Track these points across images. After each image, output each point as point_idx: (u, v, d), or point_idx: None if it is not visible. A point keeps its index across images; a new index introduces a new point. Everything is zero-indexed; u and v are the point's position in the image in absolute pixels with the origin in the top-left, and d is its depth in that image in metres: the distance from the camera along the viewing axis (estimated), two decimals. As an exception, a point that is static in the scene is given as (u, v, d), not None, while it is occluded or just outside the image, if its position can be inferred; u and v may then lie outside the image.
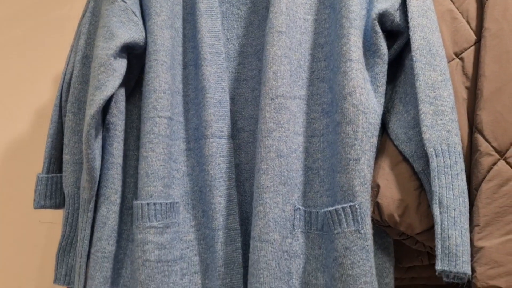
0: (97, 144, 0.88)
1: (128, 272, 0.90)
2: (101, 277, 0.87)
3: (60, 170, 0.99)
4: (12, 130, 1.31)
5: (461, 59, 0.83)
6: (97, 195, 0.90)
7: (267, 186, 0.81)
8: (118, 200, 0.90)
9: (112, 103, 0.91)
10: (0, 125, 1.31)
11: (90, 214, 0.89)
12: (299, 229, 0.83)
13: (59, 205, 1.00)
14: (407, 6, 0.82)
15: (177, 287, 0.85)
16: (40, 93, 1.32)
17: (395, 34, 0.85)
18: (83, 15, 1.00)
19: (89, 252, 0.89)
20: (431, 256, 0.97)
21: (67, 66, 1.00)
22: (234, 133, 0.93)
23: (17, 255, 1.29)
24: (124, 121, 0.93)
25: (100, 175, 0.90)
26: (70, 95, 0.97)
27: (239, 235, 0.88)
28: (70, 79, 0.98)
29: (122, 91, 0.92)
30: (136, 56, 0.94)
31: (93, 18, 0.98)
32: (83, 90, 0.96)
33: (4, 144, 1.31)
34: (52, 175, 0.99)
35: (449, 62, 0.83)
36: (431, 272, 1.07)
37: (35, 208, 0.98)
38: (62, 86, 0.99)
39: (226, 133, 0.91)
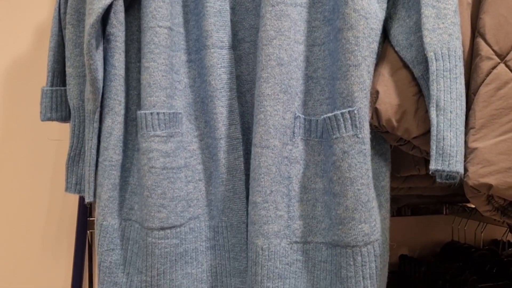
0: (99, 56, 0.89)
1: (135, 180, 0.94)
2: (109, 184, 0.91)
3: (63, 83, 1.00)
4: (14, 46, 1.31)
5: (467, -39, 0.81)
6: (102, 106, 0.92)
7: (268, 94, 0.82)
8: (122, 111, 0.92)
9: (111, 13, 0.90)
10: (2, 41, 1.30)
11: (96, 125, 0.91)
12: (299, 136, 0.85)
13: (65, 117, 1.02)
14: None
15: (182, 193, 0.89)
16: (38, 7, 1.30)
17: None
18: None
19: (97, 161, 0.93)
20: (428, 165, 1.00)
21: (64, -24, 0.98)
22: (235, 44, 0.93)
23: (28, 171, 1.33)
24: (124, 33, 0.92)
25: (103, 86, 0.91)
26: (69, 7, 0.95)
27: (241, 143, 0.90)
28: (68, -10, 0.96)
29: (121, 1, 0.91)
30: (133, -35, 0.92)
31: None
32: (82, 1, 0.95)
33: (7, 61, 1.31)
34: (56, 88, 1.00)
35: (455, -35, 0.80)
36: (427, 183, 1.11)
37: (42, 120, 1.01)
38: (60, -3, 0.98)
39: (227, 43, 0.90)
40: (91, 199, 0.93)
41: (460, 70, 0.74)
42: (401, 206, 1.52)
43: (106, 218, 0.92)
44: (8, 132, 1.32)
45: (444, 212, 1.55)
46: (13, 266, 1.34)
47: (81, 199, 1.34)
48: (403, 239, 1.57)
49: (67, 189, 1.00)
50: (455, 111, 0.72)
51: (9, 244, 1.33)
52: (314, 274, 0.84)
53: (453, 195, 1.35)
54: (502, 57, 0.74)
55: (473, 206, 1.45)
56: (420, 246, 1.61)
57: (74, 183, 1.00)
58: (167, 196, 0.87)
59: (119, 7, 0.91)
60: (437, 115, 0.72)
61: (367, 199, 0.78)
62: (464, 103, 0.74)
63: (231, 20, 0.92)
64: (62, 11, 0.98)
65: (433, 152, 0.72)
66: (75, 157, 0.99)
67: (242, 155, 0.90)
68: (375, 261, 0.80)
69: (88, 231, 1.35)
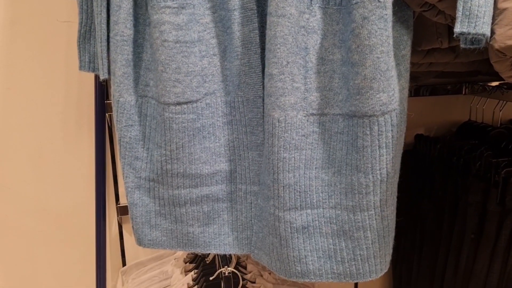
0: None
1: (149, 55, 0.92)
2: (123, 59, 0.90)
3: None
4: None
5: None
6: (108, -23, 0.88)
7: (284, -43, 0.76)
8: (130, -18, 0.88)
9: None
10: None
11: (104, -2, 0.88)
12: (317, 4, 0.81)
13: (72, -8, 0.98)
14: None
15: (197, 68, 0.88)
16: None
17: None
18: None
19: (108, 37, 0.91)
20: (451, 38, 0.96)
21: None
22: None
23: (40, 54, 1.32)
24: None
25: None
26: None
27: (256, 15, 0.86)
28: None
29: None
30: None
31: None
32: None
33: None
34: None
35: None
36: (449, 57, 1.07)
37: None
38: None
39: None
40: (106, 76, 0.93)
41: None
42: (419, 86, 1.50)
43: (123, 95, 0.92)
44: (17, 15, 1.29)
45: (464, 92, 1.53)
46: (37, 154, 1.39)
47: (97, 82, 1.34)
48: (420, 119, 1.57)
49: (81, 67, 1.00)
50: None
51: (29, 131, 1.37)
52: (330, 145, 0.85)
53: (473, 73, 1.32)
54: None
55: (493, 84, 1.43)
56: (436, 127, 1.61)
57: (87, 61, 0.99)
58: (182, 71, 0.86)
59: None
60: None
61: (386, 67, 0.76)
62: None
63: None
64: None
65: (459, 14, 0.67)
66: (85, 34, 0.97)
67: (257, 27, 0.87)
68: (391, 130, 0.80)
69: (106, 114, 1.38)
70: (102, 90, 1.35)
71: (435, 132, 1.61)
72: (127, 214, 1.45)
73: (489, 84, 1.44)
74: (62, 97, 1.37)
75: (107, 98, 1.36)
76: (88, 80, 1.36)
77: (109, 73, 0.93)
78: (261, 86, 0.88)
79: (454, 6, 0.71)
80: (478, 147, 1.28)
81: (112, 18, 0.88)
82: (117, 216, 1.47)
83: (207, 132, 0.92)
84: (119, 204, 1.46)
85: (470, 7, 0.67)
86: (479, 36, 0.67)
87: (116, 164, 1.43)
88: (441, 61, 1.08)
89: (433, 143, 1.43)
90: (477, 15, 0.66)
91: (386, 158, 0.80)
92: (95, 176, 1.41)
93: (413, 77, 1.23)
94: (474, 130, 1.50)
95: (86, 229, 1.46)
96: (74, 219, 1.45)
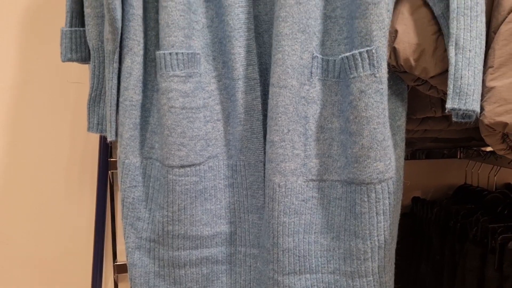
0: (117, -5, 0.89)
1: (155, 119, 0.96)
2: (130, 123, 0.94)
3: (82, 24, 1.01)
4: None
5: None
6: (121, 47, 0.93)
7: (286, 34, 0.82)
8: (141, 52, 0.93)
9: (128, -49, 0.89)
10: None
11: (116, 65, 0.93)
12: (317, 77, 0.86)
13: (85, 58, 1.03)
14: None
15: (201, 132, 0.92)
16: None
17: None
18: None
19: (117, 101, 0.95)
20: (444, 108, 1.00)
21: None
22: (253, -17, 0.92)
23: (49, 113, 1.37)
24: (141, -28, 0.92)
25: (122, 27, 0.92)
26: None
27: (259, 84, 0.91)
28: None
29: None
30: None
31: None
32: None
33: (25, 2, 1.31)
34: (76, 28, 1.01)
35: None
36: (443, 125, 1.11)
37: (62, 61, 1.02)
38: None
39: (245, -18, 0.90)
40: (113, 138, 0.96)
41: (481, 7, 0.73)
42: (415, 150, 1.54)
43: (128, 156, 0.95)
44: (29, 75, 1.34)
45: (459, 156, 1.57)
46: (37, 206, 1.40)
47: (102, 140, 1.38)
48: (416, 182, 1.60)
49: (89, 129, 1.03)
50: (474, 49, 0.72)
51: (33, 185, 1.39)
52: (329, 210, 0.88)
53: (468, 139, 1.37)
54: (525, -6, 0.72)
55: (487, 149, 1.47)
56: (433, 189, 1.64)
57: (96, 123, 1.03)
58: (187, 135, 0.90)
59: None
60: (455, 54, 0.72)
61: (383, 137, 0.80)
62: (483, 42, 0.73)
63: (249, -41, 0.91)
64: (78, -51, 0.97)
65: (450, 91, 0.72)
66: (96, 98, 1.01)
67: (259, 96, 0.91)
68: (388, 198, 0.82)
69: (109, 171, 1.40)
70: (107, 148, 1.38)
71: (431, 194, 1.63)
72: (124, 272, 1.44)
73: (483, 149, 1.48)
74: (67, 154, 1.40)
75: (111, 156, 1.39)
76: (93, 137, 1.40)
77: (116, 135, 0.97)
78: (263, 151, 0.91)
79: (445, 82, 0.76)
80: (475, 212, 1.29)
81: (122, 84, 0.93)
82: (114, 274, 1.46)
83: (208, 194, 0.95)
84: (116, 262, 1.45)
85: (460, 85, 0.71)
86: (470, 112, 0.72)
87: (116, 222, 1.44)
88: (435, 128, 1.12)
89: (430, 206, 1.45)
90: (466, 92, 0.71)
91: (384, 225, 0.82)
92: (94, 233, 1.42)
93: (409, 143, 1.27)
94: (470, 193, 1.52)
95: (82, 286, 1.44)
96: (70, 275, 1.44)
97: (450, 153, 1.57)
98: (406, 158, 0.91)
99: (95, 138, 1.40)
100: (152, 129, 0.97)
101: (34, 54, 1.34)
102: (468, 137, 1.30)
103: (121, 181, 0.96)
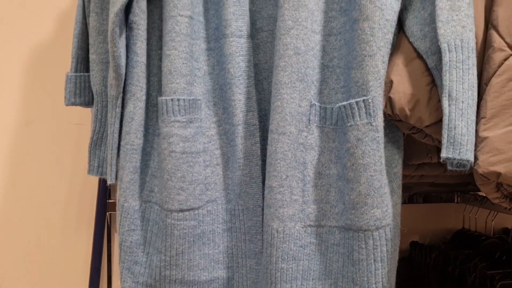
0: (122, 43, 0.92)
1: (156, 163, 0.97)
2: (131, 167, 0.95)
3: (87, 69, 1.04)
4: (39, 34, 1.35)
5: (484, -46, 0.82)
6: (124, 92, 0.95)
7: (285, 82, 0.85)
8: (144, 97, 0.95)
9: (134, 2, 0.93)
10: (28, 29, 1.34)
11: (118, 110, 0.95)
12: (315, 124, 0.88)
13: (88, 102, 1.06)
14: None
15: (201, 177, 0.93)
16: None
17: None
18: None
19: (119, 145, 0.97)
20: (440, 154, 1.02)
21: (88, -35, 1.01)
22: (253, 33, 0.95)
23: (49, 154, 1.38)
24: (146, 21, 0.95)
25: (126, 73, 0.94)
26: (93, -5, 0.99)
27: (258, 130, 0.93)
28: (92, -21, 0.99)
29: (143, -10, 0.94)
30: (155, -45, 0.95)
31: None
32: (105, -10, 0.98)
33: (32, 48, 1.35)
34: (80, 74, 1.04)
35: (471, -43, 0.82)
36: (439, 171, 1.13)
37: (66, 105, 1.05)
38: (84, -14, 1.01)
39: (245, 32, 0.93)
40: (113, 181, 0.97)
41: (472, 61, 0.76)
42: (413, 194, 1.55)
43: (128, 200, 0.96)
44: (31, 116, 1.37)
45: (456, 201, 1.57)
46: (34, 246, 1.39)
47: (101, 182, 1.38)
48: (414, 226, 1.60)
49: (89, 171, 1.04)
50: (467, 101, 0.74)
51: (30, 224, 1.39)
52: (327, 257, 0.88)
53: (464, 184, 1.37)
54: (514, 48, 0.75)
55: (484, 194, 1.48)
56: (431, 234, 1.63)
57: (96, 166, 1.04)
58: (186, 179, 0.91)
59: (142, -4, 0.94)
60: (449, 105, 0.74)
61: (380, 185, 0.81)
62: (475, 94, 0.76)
63: (250, 10, 0.95)
64: (86, -1, 1.01)
65: (444, 141, 0.74)
66: (97, 141, 1.03)
67: (259, 141, 0.93)
68: (386, 245, 0.83)
69: (107, 213, 1.40)
70: (105, 189, 1.39)
71: (429, 239, 1.63)
72: (119, 316, 1.41)
73: (480, 194, 1.49)
74: (65, 194, 1.40)
75: (110, 197, 1.39)
76: (92, 178, 1.40)
77: (116, 178, 0.98)
78: (261, 196, 0.92)
79: (439, 131, 0.78)
80: (473, 257, 1.29)
81: (124, 128, 0.95)
82: (109, 318, 1.43)
83: (207, 238, 0.95)
84: (111, 305, 1.43)
85: (454, 135, 0.73)
86: (464, 162, 0.73)
87: (112, 264, 1.43)
88: (431, 174, 1.14)
89: (428, 251, 1.44)
90: (460, 142, 0.73)
91: (382, 272, 0.82)
92: (90, 275, 1.40)
93: (406, 187, 1.28)
94: (468, 238, 1.52)
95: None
96: (64, 320, 1.42)
97: (447, 198, 1.58)
98: (404, 202, 0.92)
99: (94, 178, 1.40)
100: (152, 172, 0.98)
101: (38, 95, 1.37)
102: (464, 182, 1.31)
103: (120, 224, 0.97)
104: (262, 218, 0.91)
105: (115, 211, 0.99)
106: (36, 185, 1.38)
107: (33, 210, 1.39)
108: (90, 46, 1.00)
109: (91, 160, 1.04)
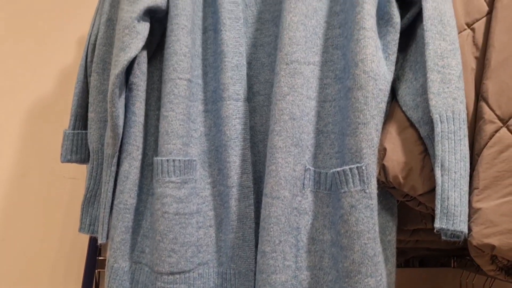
0: (121, 103, 0.93)
1: (148, 223, 0.96)
2: (123, 226, 0.94)
3: (85, 127, 1.05)
4: (39, 89, 1.38)
5: (472, 29, 0.86)
6: (120, 151, 0.96)
7: (280, 147, 0.86)
8: (140, 157, 0.96)
9: (135, 64, 0.96)
10: (29, 84, 1.37)
11: (114, 169, 0.95)
12: (309, 188, 0.88)
13: (84, 160, 1.06)
14: (421, -24, 0.84)
15: (193, 239, 0.92)
16: (66, 53, 1.37)
17: (408, 3, 0.88)
18: (108, -21, 1.03)
19: (112, 203, 0.96)
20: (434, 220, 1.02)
21: (92, 28, 1.05)
22: (250, 96, 0.98)
23: (42, 207, 1.37)
24: (146, 82, 0.97)
25: (123, 132, 0.95)
26: (95, 56, 1.02)
27: (252, 192, 0.93)
28: (95, 41, 1.02)
29: (145, 53, 0.97)
30: (158, 20, 0.98)
31: (117, -18, 1.02)
32: (108, 51, 1.01)
33: (32, 102, 1.37)
34: (78, 131, 1.05)
35: (460, 32, 0.85)
36: (434, 236, 1.12)
37: (62, 162, 1.05)
38: (88, 47, 1.04)
39: (242, 96, 0.95)
40: (104, 241, 0.96)
41: (464, 132, 0.77)
42: (409, 258, 1.53)
43: (117, 261, 0.94)
44: (27, 168, 1.37)
45: (452, 265, 1.55)
46: (21, 302, 1.35)
47: (92, 239, 1.36)
48: (410, 292, 1.56)
49: (80, 229, 1.03)
50: (459, 171, 0.75)
51: (18, 277, 1.35)
52: (319, 326, 0.85)
53: (461, 249, 1.36)
54: (504, 121, 0.77)
55: (480, 261, 1.46)
56: (427, 299, 1.59)
57: (88, 224, 1.03)
58: (178, 241, 0.90)
59: (143, 58, 0.97)
60: (442, 175, 0.75)
61: (374, 253, 0.80)
62: (468, 164, 0.77)
63: (247, 74, 0.98)
64: (89, 59, 1.04)
65: (437, 211, 0.74)
66: (90, 199, 1.02)
67: (253, 204, 0.93)
68: (380, 315, 0.80)
69: (96, 270, 1.37)
70: (96, 247, 1.36)
71: (426, 304, 1.59)
72: None
73: (476, 259, 1.47)
74: (55, 248, 1.38)
75: (100, 254, 1.37)
76: (82, 235, 1.38)
77: (107, 237, 0.96)
78: (254, 260, 0.91)
79: (433, 200, 0.78)
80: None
81: (118, 187, 0.95)
82: None
83: (197, 302, 0.92)
84: None
85: (447, 205, 0.73)
86: (458, 232, 0.73)
87: (99, 324, 1.38)
88: (427, 239, 1.13)
89: (424, 318, 1.40)
90: (453, 213, 0.73)
91: None
92: (75, 336, 1.35)
93: (402, 252, 1.27)
94: (465, 305, 1.48)
95: None
96: None
97: (444, 262, 1.55)
98: (400, 266, 0.90)
99: (85, 235, 1.38)
100: (144, 233, 0.97)
101: (34, 148, 1.37)
102: (461, 247, 1.30)
103: (108, 286, 0.94)
104: (254, 283, 0.89)
105: (105, 270, 0.97)
106: (25, 238, 1.36)
107: (21, 264, 1.36)
108: (89, 105, 1.02)
109: (83, 217, 1.03)
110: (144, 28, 0.94)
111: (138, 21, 0.92)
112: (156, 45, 1.02)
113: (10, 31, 1.39)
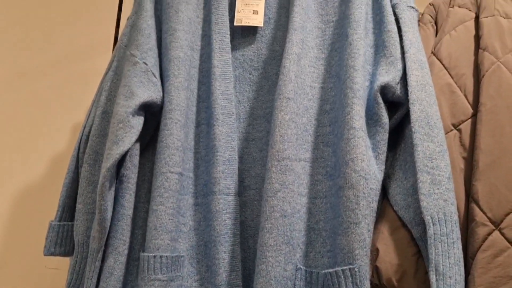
0: (110, 196, 0.92)
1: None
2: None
3: (72, 218, 1.03)
4: (28, 177, 1.36)
5: (459, 130, 0.88)
6: (106, 245, 0.93)
7: (270, 245, 0.84)
8: (126, 251, 0.93)
9: (127, 157, 0.96)
10: (17, 171, 1.36)
11: (98, 264, 0.91)
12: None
13: (68, 252, 1.02)
14: (407, 81, 0.87)
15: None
16: (58, 142, 1.38)
17: (396, 104, 0.91)
18: (106, 73, 1.07)
19: (95, 302, 0.91)
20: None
21: (87, 119, 1.06)
22: (241, 191, 0.97)
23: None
24: (136, 175, 0.97)
25: (110, 225, 0.93)
26: (88, 147, 1.02)
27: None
28: (89, 132, 1.03)
29: (137, 146, 0.97)
30: (152, 114, 1.00)
31: (115, 76, 1.05)
32: (101, 143, 1.01)
33: (19, 190, 1.35)
34: (64, 223, 1.02)
35: (447, 133, 0.88)
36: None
37: (45, 255, 1.01)
38: (81, 138, 1.04)
39: (233, 190, 0.95)
40: None
41: (456, 235, 0.76)
42: None
43: None
44: (8, 258, 1.32)
45: None
46: None
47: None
48: None
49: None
50: (454, 276, 0.73)
51: None
52: None
53: None
54: (496, 224, 0.77)
55: None
56: None
57: (67, 322, 0.97)
58: None
59: (135, 151, 0.97)
60: (436, 280, 0.73)
61: None
62: (462, 268, 0.75)
63: (239, 168, 0.98)
64: (81, 150, 1.04)
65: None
66: (71, 295, 0.97)
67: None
68: None
69: None
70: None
71: None
72: None
73: None
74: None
75: None
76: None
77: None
78: None
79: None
80: None
81: (101, 284, 0.91)
82: None
83: None
84: None
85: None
86: None
87: None
88: None
89: None
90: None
91: None
92: None
93: None
94: None
95: None
96: None
97: None
98: None
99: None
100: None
101: (17, 238, 1.33)
102: None
103: None
104: None
105: None
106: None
107: None
108: (78, 196, 1.00)
109: (62, 315, 0.97)
110: (138, 122, 0.95)
111: (133, 115, 0.94)
112: (149, 137, 1.03)
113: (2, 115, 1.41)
